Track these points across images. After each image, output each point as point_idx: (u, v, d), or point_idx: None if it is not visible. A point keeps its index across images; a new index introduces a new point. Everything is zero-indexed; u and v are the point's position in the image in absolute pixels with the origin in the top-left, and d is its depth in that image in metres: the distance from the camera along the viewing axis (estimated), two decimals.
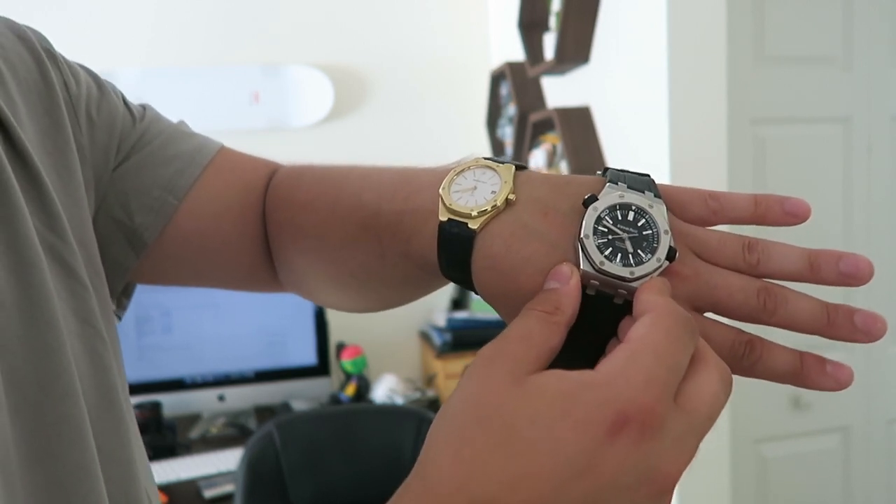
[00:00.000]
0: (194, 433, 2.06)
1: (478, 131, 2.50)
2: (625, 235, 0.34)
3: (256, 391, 2.14)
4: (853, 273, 0.34)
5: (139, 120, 0.49)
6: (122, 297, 0.50)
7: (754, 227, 0.37)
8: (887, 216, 1.78)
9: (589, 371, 0.29)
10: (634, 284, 0.33)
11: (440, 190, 0.37)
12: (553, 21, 1.88)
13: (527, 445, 0.28)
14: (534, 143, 2.07)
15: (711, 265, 0.35)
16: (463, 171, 0.38)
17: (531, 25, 2.05)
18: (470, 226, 0.35)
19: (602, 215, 0.34)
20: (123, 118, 0.48)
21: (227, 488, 1.68)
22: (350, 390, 2.18)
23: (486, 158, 0.38)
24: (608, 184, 0.36)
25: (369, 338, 2.31)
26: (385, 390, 2.17)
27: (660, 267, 0.33)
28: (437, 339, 2.29)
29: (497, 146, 2.41)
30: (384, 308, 0.51)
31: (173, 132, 0.50)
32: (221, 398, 2.11)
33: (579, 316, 0.33)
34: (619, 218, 0.34)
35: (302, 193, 0.48)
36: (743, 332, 0.35)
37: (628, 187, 0.36)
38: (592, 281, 0.33)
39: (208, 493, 1.68)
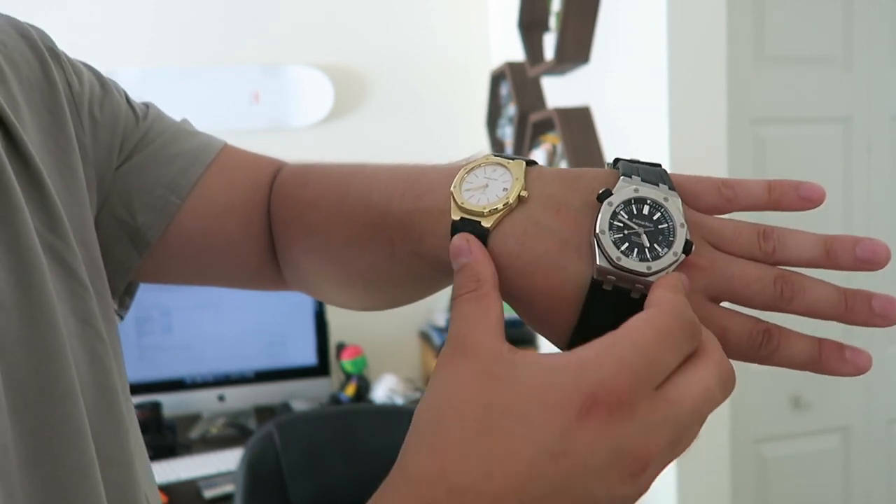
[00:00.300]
0: (194, 433, 2.06)
1: (478, 131, 2.50)
2: (640, 230, 0.34)
3: (256, 391, 2.14)
4: (870, 258, 0.34)
5: (142, 118, 0.49)
6: (124, 296, 0.50)
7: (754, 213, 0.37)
8: (887, 216, 1.78)
9: (563, 354, 0.30)
10: (651, 279, 0.33)
11: (451, 188, 0.37)
12: (553, 21, 1.88)
13: (502, 433, 0.28)
14: (534, 143, 2.07)
15: (727, 255, 0.35)
16: (473, 168, 0.38)
17: (531, 25, 2.05)
18: (483, 224, 0.35)
19: (617, 210, 0.34)
20: (126, 117, 0.47)
21: (227, 488, 1.68)
22: (350, 390, 2.17)
23: (495, 155, 0.38)
24: (622, 177, 0.35)
25: (369, 338, 2.31)
26: (385, 390, 2.17)
27: (676, 261, 0.33)
28: (437, 339, 2.29)
29: (497, 146, 2.41)
30: (391, 306, 0.51)
31: (176, 130, 0.50)
32: (221, 398, 2.11)
33: (596, 311, 0.33)
34: (635, 212, 0.34)
35: (308, 191, 0.48)
36: (761, 321, 0.35)
37: (642, 180, 0.35)
38: (609, 276, 0.33)
39: (208, 494, 1.68)
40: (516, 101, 2.17)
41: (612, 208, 0.34)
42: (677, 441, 0.29)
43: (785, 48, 1.68)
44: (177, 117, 0.53)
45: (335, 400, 2.18)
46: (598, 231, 0.34)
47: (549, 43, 1.89)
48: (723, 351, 0.32)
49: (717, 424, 1.55)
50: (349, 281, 0.48)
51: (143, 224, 0.47)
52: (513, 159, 0.37)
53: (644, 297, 0.33)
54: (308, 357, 2.17)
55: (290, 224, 0.49)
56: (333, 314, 2.18)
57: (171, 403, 2.04)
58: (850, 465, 1.85)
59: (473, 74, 2.50)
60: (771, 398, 1.75)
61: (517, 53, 2.14)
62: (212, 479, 1.74)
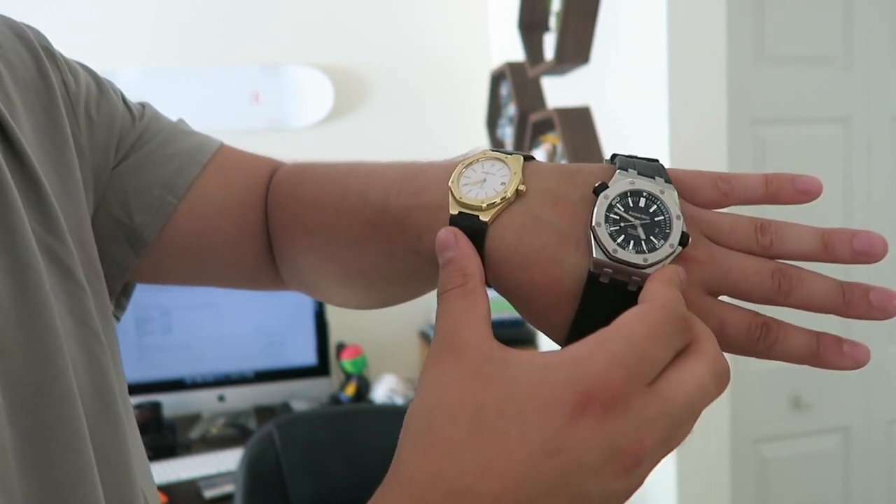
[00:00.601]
0: (194, 433, 2.05)
1: (478, 131, 2.50)
2: (637, 222, 0.34)
3: (256, 391, 2.13)
4: (867, 250, 0.34)
5: (138, 118, 0.49)
6: (121, 297, 0.50)
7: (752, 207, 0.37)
8: (887, 216, 1.78)
9: (556, 351, 0.30)
10: (648, 271, 0.33)
11: (449, 183, 0.37)
12: (553, 21, 1.88)
13: (497, 433, 0.28)
14: (534, 144, 2.07)
15: (725, 248, 0.35)
16: (471, 163, 0.38)
17: (531, 25, 2.04)
18: (481, 218, 0.35)
19: (613, 203, 0.34)
20: (123, 117, 0.47)
21: (227, 488, 1.68)
22: (350, 390, 2.17)
23: (493, 150, 0.38)
24: (618, 171, 0.36)
25: (369, 338, 2.31)
26: (385, 390, 2.17)
27: (673, 253, 0.33)
28: None
29: (497, 146, 2.41)
30: (390, 304, 0.51)
31: (173, 130, 0.50)
32: (221, 398, 2.11)
33: (593, 304, 0.33)
34: (631, 205, 0.34)
35: (306, 191, 0.48)
36: (759, 314, 0.35)
37: (638, 173, 0.35)
38: (606, 269, 0.33)
39: (208, 494, 1.68)
40: (516, 101, 2.17)
41: (608, 201, 0.34)
42: (671, 436, 0.29)
43: (785, 48, 1.67)
44: (177, 117, 0.53)
45: (335, 400, 2.17)
46: (594, 223, 0.33)
47: (549, 43, 1.89)
48: (717, 345, 0.32)
49: (717, 424, 1.55)
50: (349, 280, 0.48)
51: (140, 224, 0.47)
52: (511, 154, 0.37)
53: (641, 290, 0.33)
54: (308, 357, 2.17)
55: (288, 224, 0.49)
56: (333, 314, 2.18)
57: (171, 403, 2.03)
58: (850, 466, 1.84)
59: (473, 74, 2.50)
60: (771, 398, 1.75)
61: (517, 53, 2.14)
62: (212, 480, 1.74)
